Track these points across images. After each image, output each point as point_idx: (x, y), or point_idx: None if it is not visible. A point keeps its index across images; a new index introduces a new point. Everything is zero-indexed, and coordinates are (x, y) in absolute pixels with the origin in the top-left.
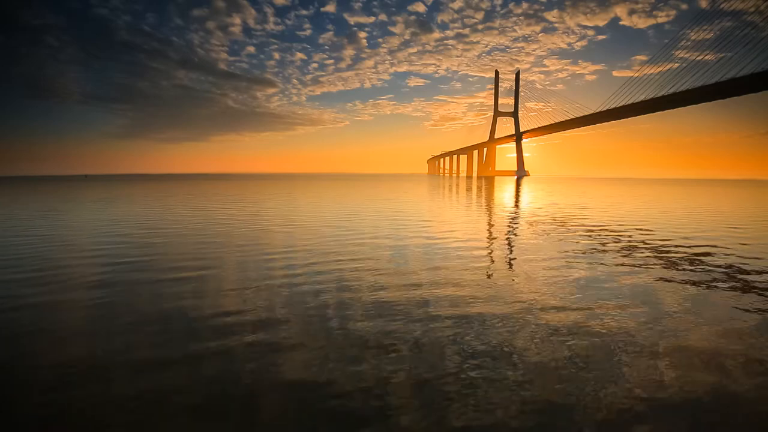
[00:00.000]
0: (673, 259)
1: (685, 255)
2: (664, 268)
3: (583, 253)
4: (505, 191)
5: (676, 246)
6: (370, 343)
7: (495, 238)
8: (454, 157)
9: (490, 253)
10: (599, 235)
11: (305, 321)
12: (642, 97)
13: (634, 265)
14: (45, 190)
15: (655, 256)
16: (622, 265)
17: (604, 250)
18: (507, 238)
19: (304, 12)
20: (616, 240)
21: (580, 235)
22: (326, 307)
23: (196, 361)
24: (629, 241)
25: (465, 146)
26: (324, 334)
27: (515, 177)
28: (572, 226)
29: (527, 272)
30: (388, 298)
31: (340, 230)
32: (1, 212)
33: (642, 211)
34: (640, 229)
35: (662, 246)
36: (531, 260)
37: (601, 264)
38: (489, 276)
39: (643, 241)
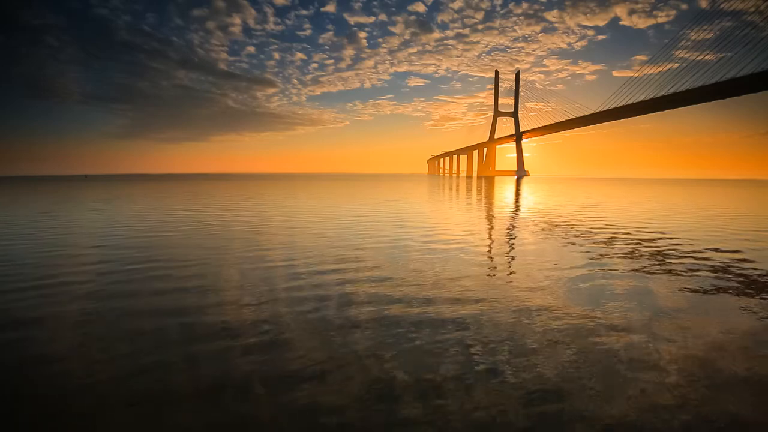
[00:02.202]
0: (735, 279)
1: (745, 273)
2: (732, 293)
3: (630, 269)
4: (509, 192)
5: (731, 262)
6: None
7: (516, 247)
8: (454, 157)
9: (515, 266)
10: (635, 245)
11: (312, 348)
12: (642, 97)
13: (695, 289)
14: (45, 190)
15: (718, 277)
16: (684, 290)
17: (649, 268)
18: (529, 247)
19: (304, 12)
20: (652, 251)
21: (609, 245)
22: (329, 326)
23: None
24: (669, 253)
25: (465, 146)
26: (327, 357)
27: (515, 177)
28: (594, 232)
29: (569, 291)
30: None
31: (343, 236)
32: (1, 213)
33: (659, 214)
34: (672, 238)
35: (714, 261)
36: (567, 275)
37: (645, 277)
38: (523, 296)
39: (684, 253)
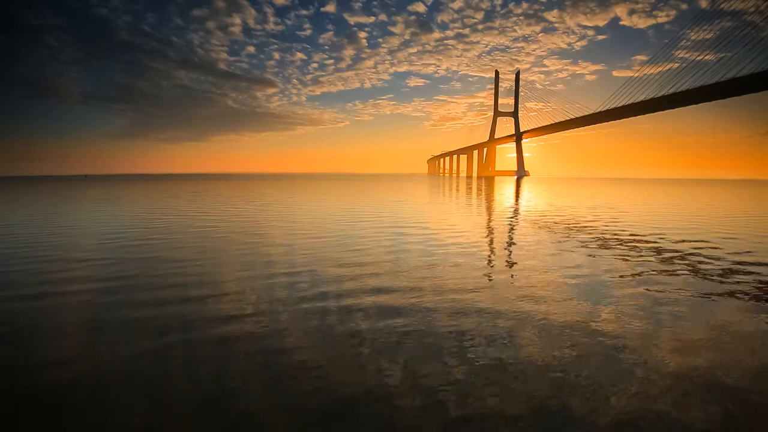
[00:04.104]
0: None
1: None
2: None
3: (681, 290)
4: (514, 193)
5: None
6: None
7: (549, 259)
8: (454, 157)
9: (550, 279)
10: (669, 255)
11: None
12: (642, 97)
13: None
14: (44, 190)
15: None
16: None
17: (706, 288)
18: (561, 259)
19: (304, 12)
20: (695, 262)
21: (640, 254)
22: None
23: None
24: (716, 266)
25: (465, 146)
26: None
27: (515, 177)
28: (622, 240)
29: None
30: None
31: (353, 245)
32: (1, 213)
33: (676, 216)
34: (705, 247)
35: None
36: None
37: (704, 300)
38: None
39: (736, 268)
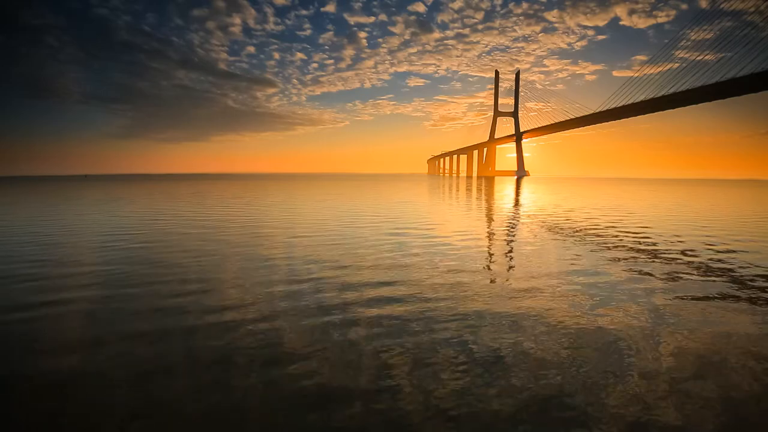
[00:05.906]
0: None
1: None
2: None
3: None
4: (518, 193)
5: None
6: None
7: (572, 270)
8: (454, 157)
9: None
10: (702, 263)
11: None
12: (642, 97)
13: None
14: (44, 190)
15: None
16: None
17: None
18: (590, 273)
19: (304, 12)
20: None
21: (672, 263)
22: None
23: None
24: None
25: (465, 146)
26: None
27: (515, 177)
28: (658, 250)
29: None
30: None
31: (361, 247)
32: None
33: (691, 218)
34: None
35: None
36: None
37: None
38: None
39: None
